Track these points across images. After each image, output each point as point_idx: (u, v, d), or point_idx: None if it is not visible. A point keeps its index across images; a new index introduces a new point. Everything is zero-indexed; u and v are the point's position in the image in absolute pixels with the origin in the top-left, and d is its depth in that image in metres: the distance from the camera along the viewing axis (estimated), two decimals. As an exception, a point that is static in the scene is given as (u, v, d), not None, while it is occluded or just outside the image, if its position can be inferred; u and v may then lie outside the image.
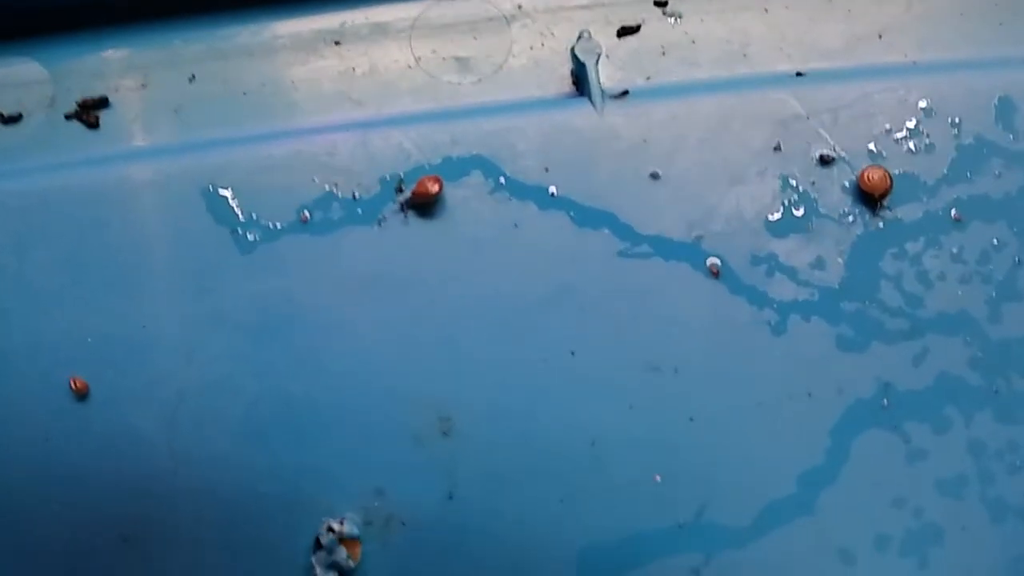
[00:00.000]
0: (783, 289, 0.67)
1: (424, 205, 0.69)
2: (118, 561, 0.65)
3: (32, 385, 0.67)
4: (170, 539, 0.65)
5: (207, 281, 0.68)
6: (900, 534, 0.64)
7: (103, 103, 0.76)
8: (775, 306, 0.67)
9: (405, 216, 0.69)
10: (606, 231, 0.68)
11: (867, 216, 0.68)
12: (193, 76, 0.77)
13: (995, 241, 0.68)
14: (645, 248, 0.68)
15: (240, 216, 0.69)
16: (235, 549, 0.64)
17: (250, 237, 0.69)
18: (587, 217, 0.68)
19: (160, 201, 0.70)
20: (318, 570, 0.63)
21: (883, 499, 0.65)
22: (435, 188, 0.69)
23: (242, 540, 0.65)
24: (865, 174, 0.68)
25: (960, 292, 0.67)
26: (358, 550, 0.64)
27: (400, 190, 0.70)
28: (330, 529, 0.63)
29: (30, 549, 0.65)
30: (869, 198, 0.68)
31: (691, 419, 0.66)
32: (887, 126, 0.70)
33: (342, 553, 0.63)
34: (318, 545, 0.63)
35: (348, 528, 0.63)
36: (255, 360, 0.67)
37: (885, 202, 0.69)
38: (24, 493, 0.66)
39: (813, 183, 0.69)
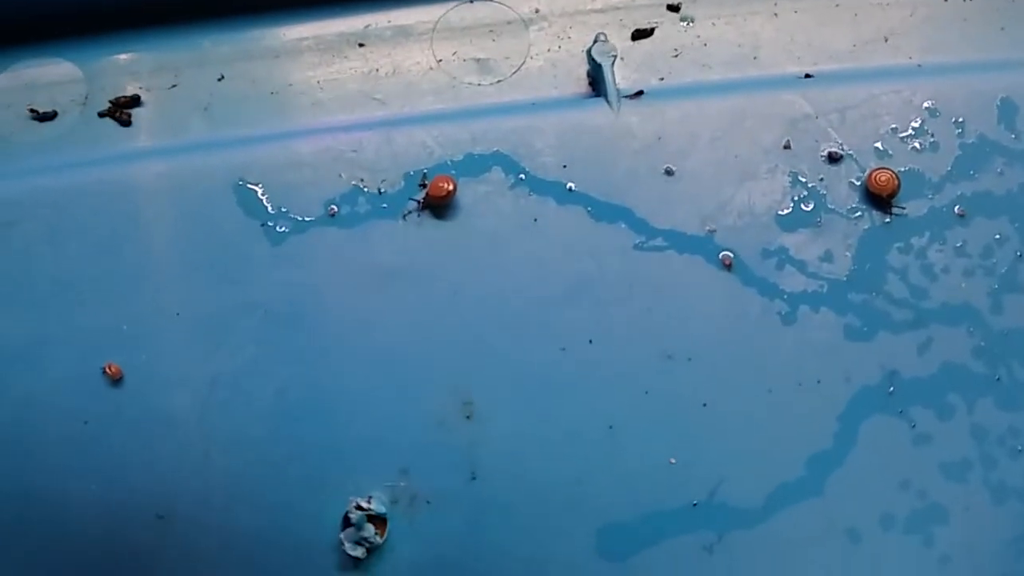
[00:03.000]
0: (793, 281, 0.70)
1: (440, 205, 0.71)
2: (153, 537, 0.67)
3: (71, 371, 0.69)
4: (203, 516, 0.67)
5: (238, 271, 0.71)
6: (905, 514, 0.66)
7: (135, 101, 0.79)
8: (785, 297, 0.69)
9: (419, 216, 0.72)
10: (622, 225, 0.71)
11: (873, 212, 0.71)
12: (222, 76, 0.80)
13: (997, 236, 0.70)
14: (660, 241, 0.70)
15: (270, 209, 0.72)
16: (266, 526, 0.67)
17: (280, 229, 0.71)
18: (604, 212, 0.71)
19: (192, 195, 0.73)
20: (347, 546, 0.65)
21: (889, 481, 0.67)
22: (449, 187, 0.71)
23: (272, 518, 0.67)
24: (873, 176, 0.70)
25: (963, 284, 0.70)
26: (385, 527, 0.66)
27: (423, 185, 0.72)
28: (358, 507, 0.65)
29: (71, 526, 0.67)
30: (878, 199, 0.71)
31: (704, 405, 0.68)
32: (893, 126, 0.73)
33: (370, 530, 0.65)
34: (347, 523, 0.65)
35: (375, 506, 0.66)
36: (285, 347, 0.69)
37: (894, 202, 0.71)
38: (66, 473, 0.68)
39: (821, 179, 0.72)
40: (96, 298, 0.71)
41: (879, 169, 0.71)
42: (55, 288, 0.71)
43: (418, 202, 0.72)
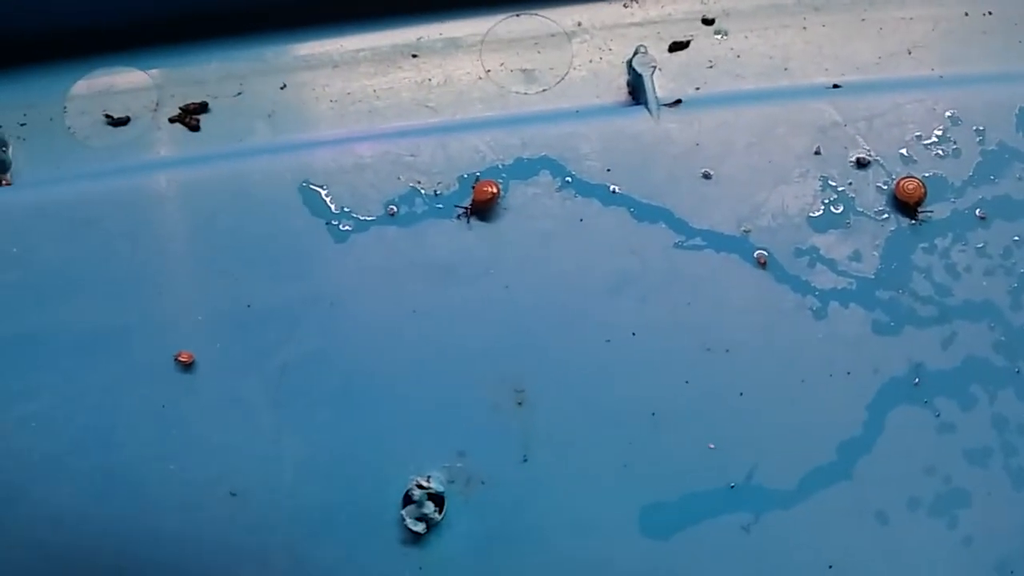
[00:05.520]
0: (824, 278, 0.74)
1: (485, 209, 0.76)
2: (226, 512, 0.71)
3: (149, 358, 0.74)
4: (273, 494, 0.71)
5: (305, 266, 0.75)
6: (931, 498, 0.70)
7: (203, 108, 0.84)
8: (816, 294, 0.73)
9: (468, 222, 0.76)
10: (663, 225, 0.75)
11: (900, 214, 0.75)
12: (284, 85, 0.85)
13: (1016, 237, 0.74)
14: (698, 241, 0.75)
15: (334, 209, 0.77)
16: (332, 504, 0.71)
17: (343, 228, 0.76)
18: (645, 212, 0.75)
19: (261, 195, 0.77)
20: (408, 521, 0.69)
21: (915, 467, 0.70)
22: (493, 189, 0.75)
23: (338, 496, 0.71)
24: (901, 184, 0.74)
25: (985, 283, 0.73)
26: (443, 505, 0.70)
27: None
28: (419, 486, 0.70)
29: (150, 502, 0.72)
30: (905, 206, 0.74)
31: (741, 394, 0.72)
32: (917, 133, 0.76)
33: (430, 507, 0.69)
34: (408, 500, 0.70)
35: (435, 485, 0.70)
36: (349, 337, 0.73)
37: (921, 209, 0.75)
38: (144, 453, 0.72)
39: (850, 184, 0.76)
40: (172, 291, 0.75)
41: (907, 178, 0.75)
42: (133, 282, 0.76)
43: (466, 208, 0.76)
